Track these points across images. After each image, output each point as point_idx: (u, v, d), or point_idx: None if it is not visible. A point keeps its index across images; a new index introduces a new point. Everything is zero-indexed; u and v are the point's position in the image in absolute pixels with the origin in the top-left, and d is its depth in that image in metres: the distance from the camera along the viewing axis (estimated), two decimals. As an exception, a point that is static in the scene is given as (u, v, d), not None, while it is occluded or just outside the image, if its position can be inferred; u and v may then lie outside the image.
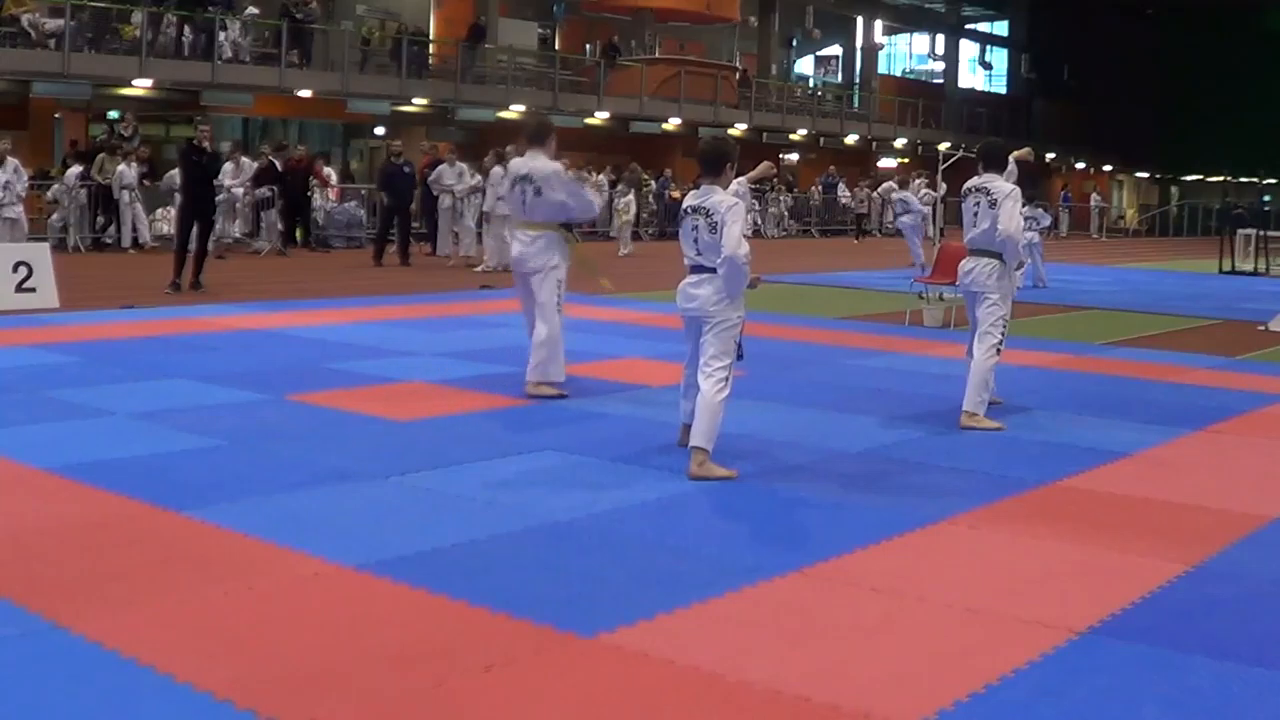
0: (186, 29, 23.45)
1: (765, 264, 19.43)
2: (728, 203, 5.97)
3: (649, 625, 3.97)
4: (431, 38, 30.36)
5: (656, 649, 3.77)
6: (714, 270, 5.98)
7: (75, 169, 19.38)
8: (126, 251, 18.93)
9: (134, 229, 19.35)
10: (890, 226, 35.23)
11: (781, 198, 32.24)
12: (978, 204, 7.58)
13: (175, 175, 17.94)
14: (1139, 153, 52.64)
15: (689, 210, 6.12)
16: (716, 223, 5.93)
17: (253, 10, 24.89)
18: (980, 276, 7.56)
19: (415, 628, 3.92)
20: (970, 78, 50.43)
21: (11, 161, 15.16)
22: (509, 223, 7.64)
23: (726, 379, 6.01)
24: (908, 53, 50.42)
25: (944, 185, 18.20)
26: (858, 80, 44.52)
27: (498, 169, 17.54)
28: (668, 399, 8.00)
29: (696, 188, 6.28)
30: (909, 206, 19.28)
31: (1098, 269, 24.31)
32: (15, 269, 11.56)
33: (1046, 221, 21.57)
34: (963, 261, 7.75)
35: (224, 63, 23.44)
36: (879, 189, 35.46)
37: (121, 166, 19.18)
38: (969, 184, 7.73)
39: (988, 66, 51.40)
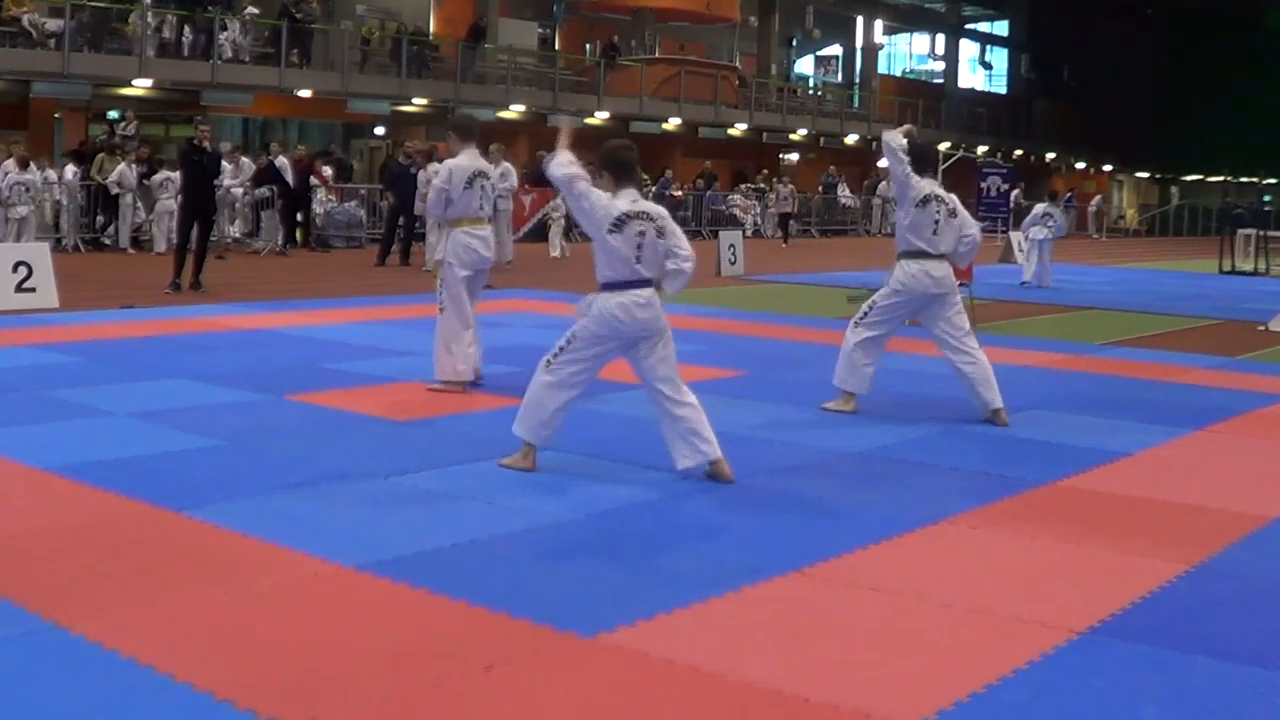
0: (186, 29, 23.46)
1: (766, 264, 19.46)
2: (662, 210, 5.85)
3: (649, 625, 3.97)
4: (431, 38, 30.36)
5: (656, 649, 3.77)
6: (653, 284, 5.74)
7: (69, 168, 19.39)
8: (126, 251, 18.94)
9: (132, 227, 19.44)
10: (890, 227, 35.42)
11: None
12: (939, 212, 7.47)
13: (163, 177, 18.29)
14: (1139, 153, 52.68)
15: (634, 216, 5.64)
16: (662, 228, 5.70)
17: (252, 10, 24.89)
18: (946, 281, 7.58)
19: (415, 628, 3.92)
20: (970, 78, 50.45)
21: (33, 165, 17.31)
22: (450, 223, 7.98)
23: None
24: (908, 53, 50.44)
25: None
26: (858, 80, 44.52)
27: (434, 166, 17.72)
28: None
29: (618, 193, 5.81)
30: None
31: (1098, 269, 24.31)
32: (15, 269, 11.56)
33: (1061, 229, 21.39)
34: (925, 266, 7.50)
35: (224, 63, 23.45)
36: (879, 189, 35.36)
37: (121, 166, 19.19)
38: (927, 191, 7.52)
39: (988, 66, 51.42)
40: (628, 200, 5.71)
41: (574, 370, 5.79)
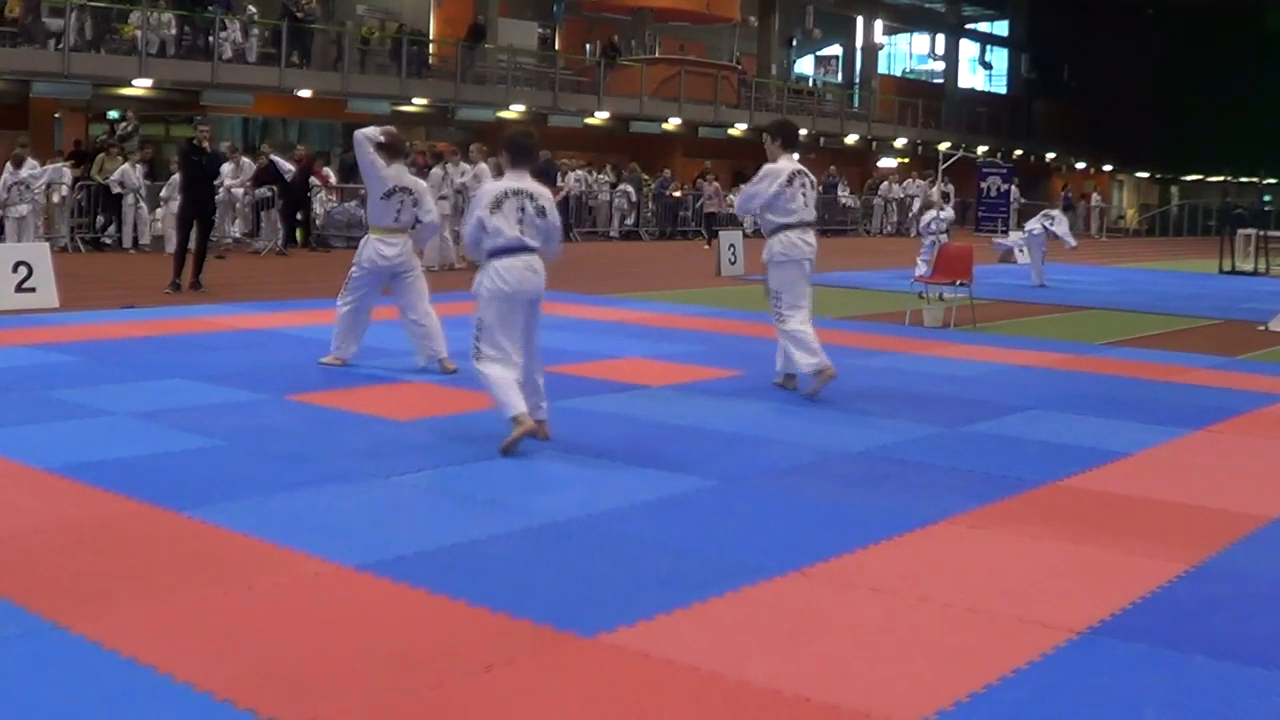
0: (186, 29, 23.46)
1: (765, 264, 19.42)
2: (548, 193, 6.56)
3: (649, 625, 3.97)
4: (431, 38, 30.36)
5: (656, 649, 3.77)
6: (535, 250, 6.44)
7: (60, 166, 19.37)
8: (126, 251, 18.93)
9: (134, 229, 19.39)
10: (892, 227, 35.40)
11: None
12: (804, 185, 8.27)
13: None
14: (1139, 153, 52.66)
15: (512, 193, 6.42)
16: (543, 208, 6.45)
17: (252, 10, 24.90)
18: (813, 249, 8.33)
19: (415, 628, 3.92)
20: (970, 78, 50.46)
21: (31, 163, 17.26)
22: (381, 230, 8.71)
23: None
24: (908, 53, 50.45)
25: (950, 185, 18.22)
26: (858, 80, 44.53)
27: (436, 171, 18.45)
28: (668, 398, 8.02)
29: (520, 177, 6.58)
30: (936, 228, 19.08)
31: (1098, 269, 24.30)
32: (15, 269, 11.56)
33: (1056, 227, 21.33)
34: (805, 235, 8.25)
35: (224, 63, 23.46)
36: (910, 193, 35.08)
37: (124, 166, 19.18)
38: (793, 169, 8.26)
39: (988, 66, 51.44)
40: (512, 180, 6.48)
41: (501, 345, 6.33)
